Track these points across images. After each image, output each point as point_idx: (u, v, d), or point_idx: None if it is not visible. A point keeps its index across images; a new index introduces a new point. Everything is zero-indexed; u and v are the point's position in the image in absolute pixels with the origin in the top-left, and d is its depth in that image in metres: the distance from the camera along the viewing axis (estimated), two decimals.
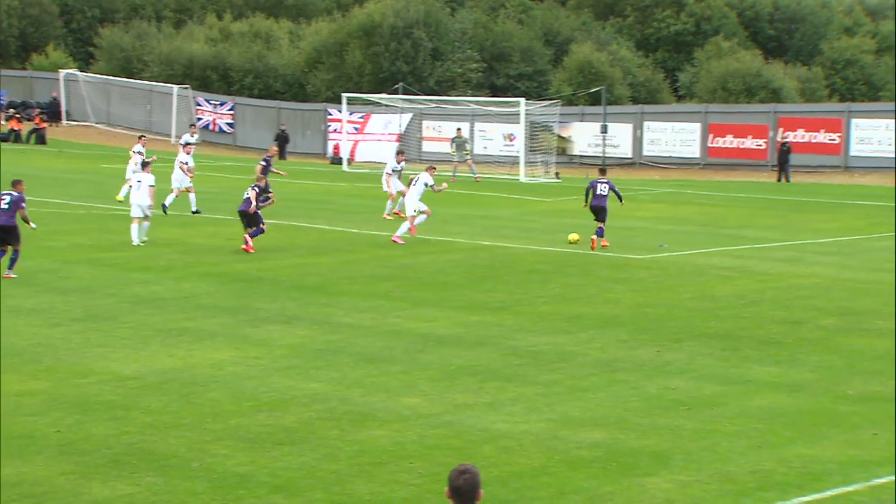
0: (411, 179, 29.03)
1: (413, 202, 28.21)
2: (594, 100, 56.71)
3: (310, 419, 13.56)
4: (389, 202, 32.66)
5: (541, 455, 12.38)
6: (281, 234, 28.62)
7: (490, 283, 22.33)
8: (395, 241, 27.12)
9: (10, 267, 21.70)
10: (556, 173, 48.60)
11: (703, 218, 33.77)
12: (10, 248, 21.79)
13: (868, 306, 20.34)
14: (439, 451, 12.46)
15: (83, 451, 12.32)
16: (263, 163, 32.68)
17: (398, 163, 33.47)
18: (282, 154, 56.66)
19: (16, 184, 22.16)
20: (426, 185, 28.43)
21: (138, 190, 26.69)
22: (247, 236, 25.55)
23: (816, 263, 25.09)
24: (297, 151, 57.47)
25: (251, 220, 25.75)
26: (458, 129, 49.01)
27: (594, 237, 26.91)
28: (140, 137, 36.27)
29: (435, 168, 30.38)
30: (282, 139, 57.21)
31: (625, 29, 72.69)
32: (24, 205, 21.93)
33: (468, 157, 46.77)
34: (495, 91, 64.46)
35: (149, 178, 26.81)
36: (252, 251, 25.29)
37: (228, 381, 15.13)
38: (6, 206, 21.65)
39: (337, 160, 54.50)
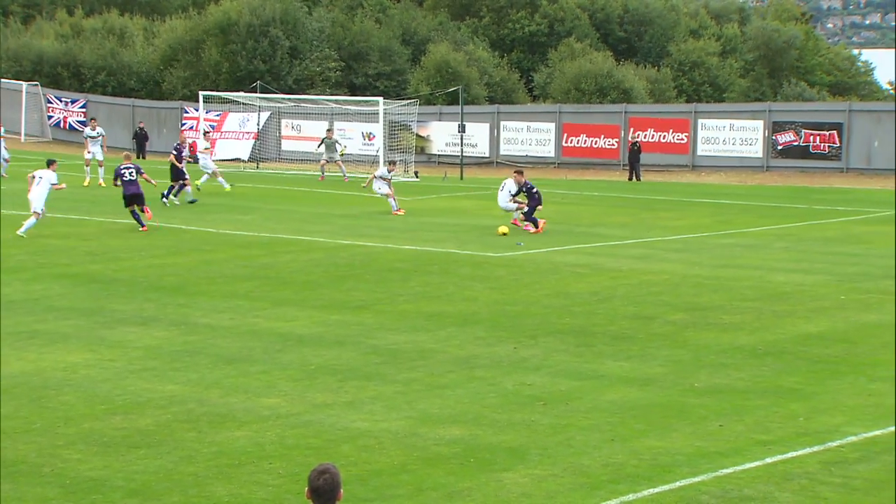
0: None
1: (503, 205, 30.79)
2: (452, 99, 57.21)
3: (167, 421, 13.43)
4: (391, 200, 34.15)
5: (400, 453, 12.50)
6: (137, 234, 28.16)
7: (350, 282, 22.39)
8: (533, 230, 29.99)
9: None
10: (416, 172, 48.86)
11: (558, 216, 34.38)
12: None
13: (714, 301, 21.04)
14: (299, 451, 12.48)
15: None
16: (175, 151, 35.65)
17: (388, 171, 35.27)
18: (141, 152, 55.60)
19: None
20: (510, 192, 30.76)
21: (38, 185, 27.76)
22: (146, 209, 28.61)
23: (665, 260, 25.82)
24: (152, 150, 56.47)
25: (141, 200, 28.54)
26: (329, 130, 48.75)
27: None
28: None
29: (522, 172, 31.75)
30: (140, 137, 56.16)
31: (480, 29, 73.45)
32: None
33: (338, 157, 46.64)
34: (354, 90, 64.45)
35: (51, 176, 27.88)
36: (146, 227, 28.40)
37: (82, 385, 14.86)
38: None
39: (193, 159, 53.66)
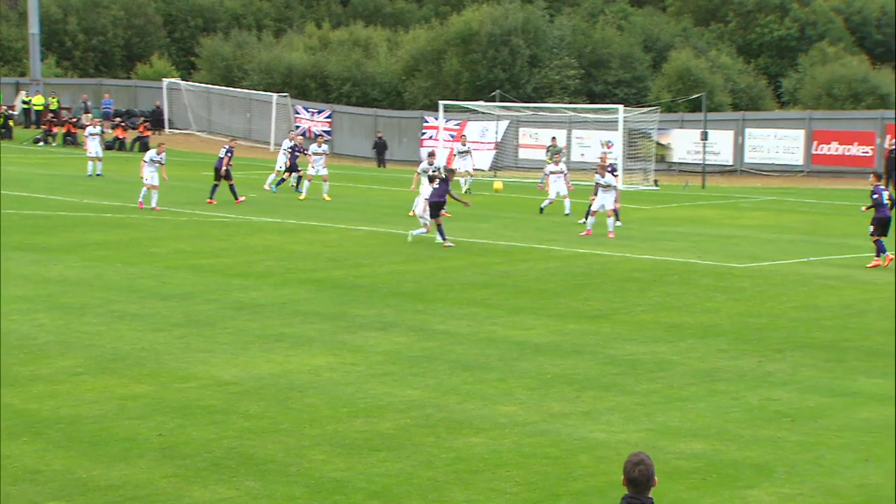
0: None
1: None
2: (694, 107, 56.06)
3: (406, 426, 13.56)
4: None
5: None
6: (377, 241, 28.76)
7: (587, 292, 22.15)
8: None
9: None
10: (655, 181, 48.12)
11: (806, 226, 33.11)
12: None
13: None
14: (536, 460, 12.36)
15: (184, 455, 12.47)
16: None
17: (429, 164, 32.63)
18: (380, 161, 57.02)
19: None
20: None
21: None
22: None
23: None
24: (393, 159, 57.81)
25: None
26: (553, 138, 48.86)
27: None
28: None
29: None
30: (380, 146, 57.60)
31: (726, 35, 71.71)
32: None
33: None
34: (593, 98, 64.09)
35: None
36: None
37: (325, 387, 15.20)
38: (437, 187, 27.94)
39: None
